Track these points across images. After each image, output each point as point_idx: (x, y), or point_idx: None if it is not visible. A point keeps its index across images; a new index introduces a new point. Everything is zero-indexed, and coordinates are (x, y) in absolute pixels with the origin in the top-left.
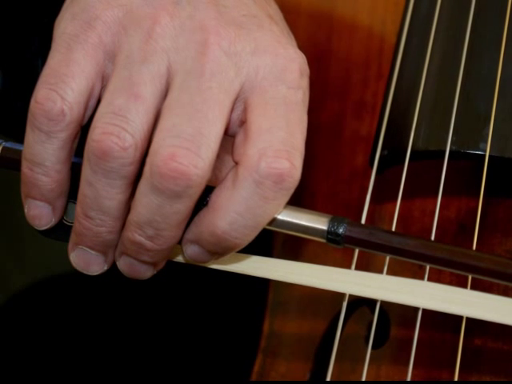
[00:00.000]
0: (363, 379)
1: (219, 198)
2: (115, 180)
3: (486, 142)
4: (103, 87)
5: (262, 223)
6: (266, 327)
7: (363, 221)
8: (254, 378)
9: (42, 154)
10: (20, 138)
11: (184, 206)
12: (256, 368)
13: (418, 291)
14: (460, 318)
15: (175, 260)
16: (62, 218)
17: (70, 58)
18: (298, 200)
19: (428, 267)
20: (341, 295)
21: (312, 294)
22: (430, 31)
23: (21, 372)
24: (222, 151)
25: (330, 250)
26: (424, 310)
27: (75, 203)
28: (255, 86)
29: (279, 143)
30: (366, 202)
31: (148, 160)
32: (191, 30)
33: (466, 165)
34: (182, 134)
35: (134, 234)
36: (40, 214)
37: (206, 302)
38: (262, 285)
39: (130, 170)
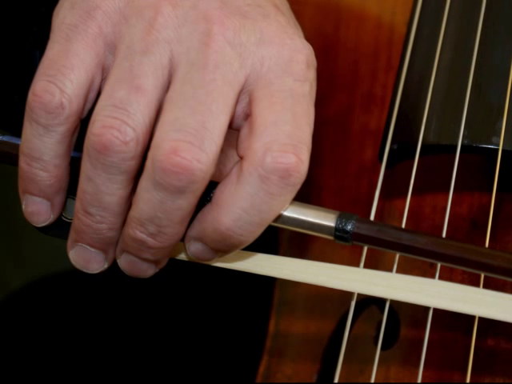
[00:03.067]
0: (372, 381)
1: (223, 193)
2: (116, 175)
3: (499, 135)
4: (103, 79)
5: (268, 220)
6: (271, 327)
7: (372, 217)
8: (259, 379)
9: (40, 148)
10: (17, 132)
11: (187, 202)
12: (261, 369)
13: (428, 290)
14: (472, 317)
15: (178, 258)
16: (60, 215)
17: (69, 49)
18: (304, 196)
19: (439, 265)
20: (349, 294)
21: (319, 292)
22: (441, 21)
23: (20, 371)
24: (227, 145)
25: (338, 247)
26: (435, 310)
27: (74, 199)
28: (260, 78)
29: (285, 137)
30: (375, 198)
31: (150, 154)
32: (194, 20)
33: (478, 159)
34: (185, 127)
35: (135, 231)
36: (38, 210)
37: (210, 302)
38: (268, 283)
39: (131, 164)
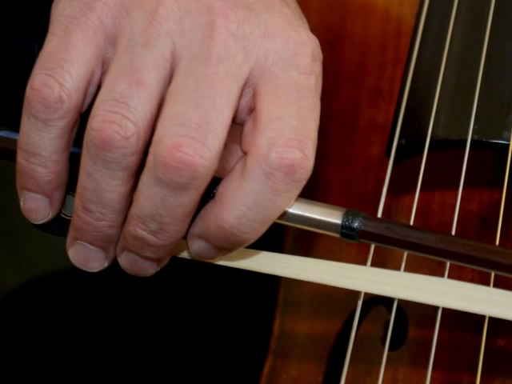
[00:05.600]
0: (379, 382)
1: (227, 190)
2: (116, 171)
3: (510, 130)
4: (103, 73)
5: (272, 217)
6: (276, 327)
7: (379, 214)
8: (263, 380)
9: (39, 143)
10: (15, 127)
11: (189, 199)
12: (266, 370)
13: (437, 289)
14: (482, 317)
15: (180, 256)
16: (59, 212)
17: (68, 42)
18: (310, 192)
19: (448, 264)
20: (356, 293)
21: (325, 292)
22: (451, 12)
23: (19, 370)
24: (230, 140)
25: (344, 245)
26: (444, 309)
27: (74, 196)
28: (265, 72)
29: (290, 132)
30: (382, 195)
31: (151, 150)
32: (197, 12)
33: (488, 155)
34: (187, 122)
35: (136, 229)
36: (36, 207)
37: (213, 301)
38: (272, 282)
39: (132, 160)
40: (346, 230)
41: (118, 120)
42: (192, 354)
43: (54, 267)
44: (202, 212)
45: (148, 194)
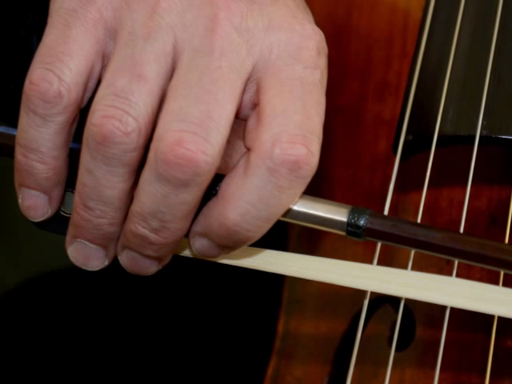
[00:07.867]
0: None
1: (230, 187)
2: (117, 167)
3: None
4: (104, 67)
5: (277, 214)
6: (280, 327)
7: (386, 212)
8: (267, 381)
9: (38, 139)
10: (14, 122)
11: (191, 196)
12: (270, 371)
13: (445, 288)
14: (491, 317)
15: (182, 254)
16: (58, 209)
17: (67, 35)
18: (315, 189)
19: (456, 262)
20: (362, 293)
21: (330, 291)
22: (459, 5)
23: (17, 369)
24: (233, 136)
25: (350, 243)
26: (452, 309)
27: (73, 193)
28: (269, 66)
29: (295, 127)
30: (389, 192)
31: (152, 146)
32: (199, 5)
33: (497, 151)
34: (190, 117)
35: (137, 226)
36: (35, 204)
37: (216, 301)
38: (277, 281)
39: (133, 156)
40: (351, 228)
41: (119, 115)
42: (195, 354)
43: (52, 266)
44: (205, 209)
45: (149, 190)
